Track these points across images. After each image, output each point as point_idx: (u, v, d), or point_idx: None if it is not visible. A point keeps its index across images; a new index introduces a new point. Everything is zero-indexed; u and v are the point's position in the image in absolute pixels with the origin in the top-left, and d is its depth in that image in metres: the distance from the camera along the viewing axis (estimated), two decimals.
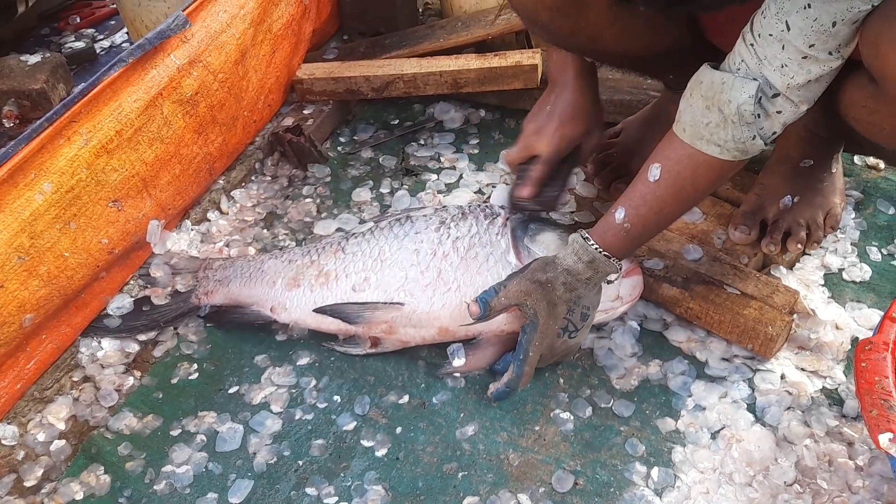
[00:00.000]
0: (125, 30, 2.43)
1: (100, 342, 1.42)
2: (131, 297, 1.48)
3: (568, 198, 1.59)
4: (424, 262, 1.36)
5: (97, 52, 2.42)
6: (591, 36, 1.31)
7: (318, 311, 1.36)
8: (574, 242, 1.25)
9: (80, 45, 2.42)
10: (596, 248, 1.23)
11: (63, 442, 1.29)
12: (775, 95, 1.09)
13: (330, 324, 1.38)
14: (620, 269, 1.27)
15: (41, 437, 1.29)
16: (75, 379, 1.38)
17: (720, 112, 1.12)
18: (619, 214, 1.22)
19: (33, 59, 1.99)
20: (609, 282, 1.29)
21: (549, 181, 1.45)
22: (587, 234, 1.25)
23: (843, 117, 1.24)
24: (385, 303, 1.34)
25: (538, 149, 1.43)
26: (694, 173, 1.19)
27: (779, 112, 1.11)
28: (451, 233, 1.38)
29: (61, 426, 1.31)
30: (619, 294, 1.33)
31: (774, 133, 1.14)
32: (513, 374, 1.26)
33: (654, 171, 1.20)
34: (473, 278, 1.33)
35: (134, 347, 1.43)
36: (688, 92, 1.17)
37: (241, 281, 1.45)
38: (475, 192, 1.70)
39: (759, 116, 1.11)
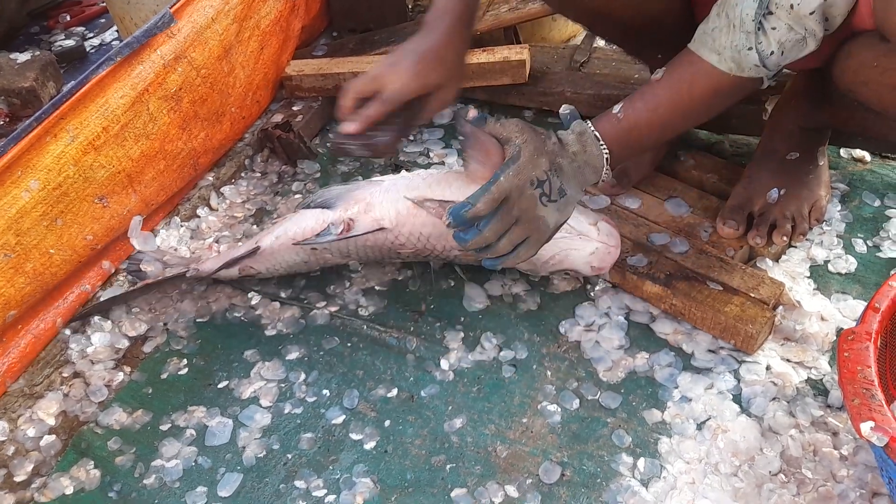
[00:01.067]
0: (115, 28, 2.43)
1: (90, 337, 1.42)
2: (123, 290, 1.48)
3: (403, 147, 1.49)
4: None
5: (87, 50, 2.42)
6: None
7: (302, 205, 1.41)
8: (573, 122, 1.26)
9: (70, 43, 2.41)
10: (588, 124, 1.24)
11: (53, 437, 1.29)
12: (768, 14, 1.12)
13: (309, 221, 1.40)
14: (607, 163, 1.24)
15: (31, 432, 1.29)
16: (65, 374, 1.38)
17: (727, 17, 1.15)
18: (617, 107, 1.25)
19: (23, 57, 1.99)
20: (597, 182, 1.27)
21: (384, 124, 1.33)
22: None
23: (848, 87, 1.24)
24: (367, 181, 1.39)
25: (386, 83, 1.30)
26: (692, 78, 1.20)
27: (773, 28, 1.12)
28: None
29: (51, 421, 1.31)
30: (596, 225, 1.36)
31: (772, 53, 1.15)
32: (476, 192, 1.17)
33: (658, 73, 1.24)
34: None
35: (124, 343, 1.43)
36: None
37: (230, 250, 1.48)
38: None
39: (759, 29, 1.13)
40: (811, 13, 1.11)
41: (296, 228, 1.41)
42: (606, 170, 1.25)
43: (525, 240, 1.22)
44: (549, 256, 1.37)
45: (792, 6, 1.10)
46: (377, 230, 1.37)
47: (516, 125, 1.22)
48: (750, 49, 1.14)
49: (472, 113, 1.23)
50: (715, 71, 1.19)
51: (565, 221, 1.26)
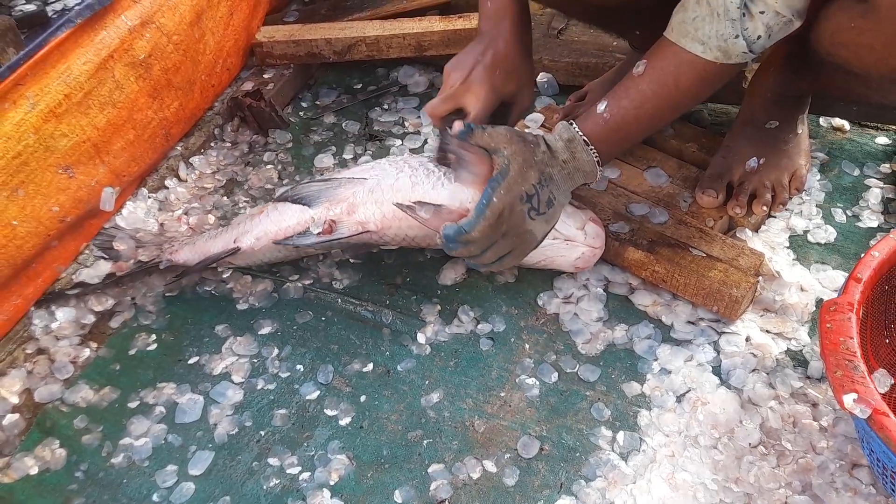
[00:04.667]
0: None
1: (53, 313, 1.37)
2: (98, 276, 1.42)
3: None
4: (392, 161, 1.36)
5: (49, 15, 2.33)
6: None
7: (280, 198, 1.34)
8: (557, 125, 1.23)
9: (30, 7, 2.32)
10: (576, 129, 1.21)
11: (16, 416, 1.25)
12: None
13: (289, 220, 1.34)
14: (598, 166, 1.23)
15: None
16: (29, 351, 1.34)
17: (708, 5, 1.11)
18: (601, 106, 1.21)
19: None
20: (587, 184, 1.26)
21: None
22: (571, 120, 1.23)
23: (827, 50, 1.21)
24: (349, 178, 1.32)
25: (466, 102, 1.30)
26: (677, 70, 1.17)
27: (762, 12, 1.10)
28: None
29: (14, 400, 1.27)
30: (584, 228, 1.32)
31: (759, 38, 1.12)
32: (471, 217, 1.17)
33: (639, 67, 1.19)
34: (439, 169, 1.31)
35: (90, 318, 1.39)
36: None
37: (206, 237, 1.42)
38: None
39: (744, 15, 1.10)
40: None
41: (276, 228, 1.36)
42: (600, 171, 1.24)
43: (510, 251, 1.22)
44: (535, 262, 1.35)
45: None
46: (362, 233, 1.33)
47: (504, 135, 1.18)
48: (737, 37, 1.11)
49: (458, 126, 1.18)
50: (700, 61, 1.15)
51: (552, 228, 1.25)
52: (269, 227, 1.37)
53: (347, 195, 1.32)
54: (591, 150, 1.21)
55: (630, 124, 1.22)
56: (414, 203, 1.25)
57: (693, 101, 1.24)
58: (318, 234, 1.32)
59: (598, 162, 1.23)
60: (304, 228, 1.34)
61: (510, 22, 1.32)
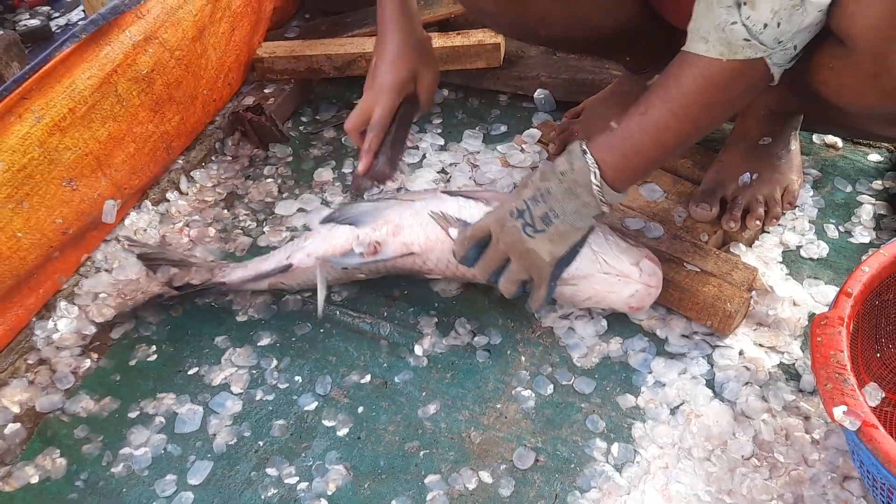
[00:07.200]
0: (81, 7, 2.38)
1: (55, 324, 1.39)
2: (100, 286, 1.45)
3: (401, 164, 1.50)
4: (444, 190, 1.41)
5: (52, 30, 2.36)
6: (539, 20, 1.29)
7: (326, 219, 1.35)
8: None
9: (34, 22, 2.35)
10: (579, 143, 1.16)
11: (18, 425, 1.26)
12: None
13: (338, 238, 1.36)
14: (596, 178, 1.15)
15: None
16: (30, 361, 1.35)
17: (705, 0, 1.08)
18: (614, 123, 1.18)
19: None
20: (602, 210, 1.19)
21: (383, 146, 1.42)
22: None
23: (812, 86, 1.20)
24: (397, 200, 1.35)
25: (372, 111, 1.38)
26: (679, 72, 1.12)
27: None
28: None
29: (16, 409, 1.28)
30: (639, 264, 1.30)
31: (766, 26, 1.04)
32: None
33: (653, 80, 1.19)
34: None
35: (91, 329, 1.40)
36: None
37: (259, 260, 1.43)
38: (438, 172, 1.69)
39: (744, 3, 1.04)
40: None
41: (325, 245, 1.37)
42: (598, 184, 1.14)
43: (528, 278, 1.22)
44: (584, 298, 1.33)
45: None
46: (406, 255, 1.34)
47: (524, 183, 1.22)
48: (734, 23, 1.04)
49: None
50: (703, 60, 1.09)
51: (569, 254, 1.20)
52: (319, 243, 1.38)
53: (393, 217, 1.33)
54: (587, 154, 1.15)
55: (635, 134, 1.15)
56: (448, 216, 1.29)
57: (705, 110, 1.14)
58: (362, 254, 1.34)
59: (595, 173, 1.15)
60: (350, 248, 1.35)
61: (390, 10, 1.39)
